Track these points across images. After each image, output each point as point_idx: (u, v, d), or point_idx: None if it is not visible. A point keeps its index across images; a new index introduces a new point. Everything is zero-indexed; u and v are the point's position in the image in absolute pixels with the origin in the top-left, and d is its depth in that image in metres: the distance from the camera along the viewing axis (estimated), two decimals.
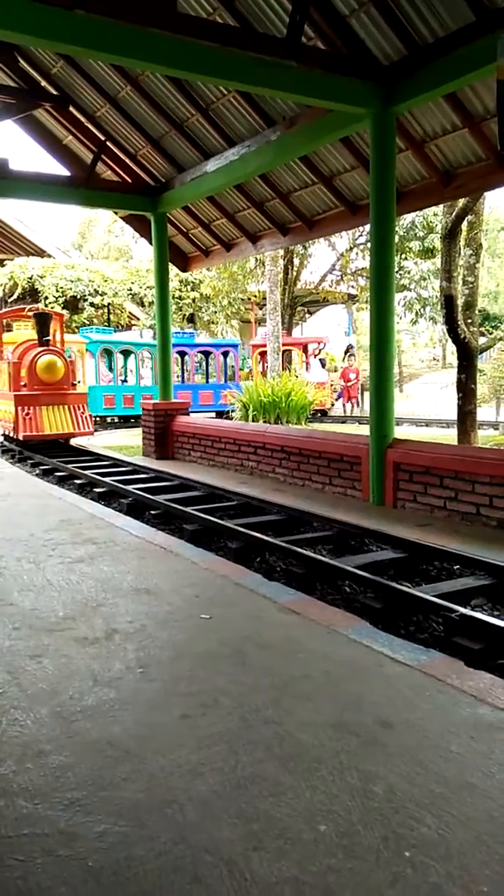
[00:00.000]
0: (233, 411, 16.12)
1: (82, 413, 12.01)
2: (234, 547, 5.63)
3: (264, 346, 21.59)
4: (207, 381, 22.48)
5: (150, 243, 11.92)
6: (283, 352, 21.72)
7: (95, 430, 14.82)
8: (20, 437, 11.50)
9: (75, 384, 12.56)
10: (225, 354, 22.89)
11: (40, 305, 13.60)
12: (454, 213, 10.38)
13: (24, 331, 15.41)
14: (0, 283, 22.96)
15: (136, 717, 2.67)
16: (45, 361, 11.92)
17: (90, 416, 12.29)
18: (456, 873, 1.83)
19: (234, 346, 23.78)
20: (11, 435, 12.16)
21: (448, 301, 10.47)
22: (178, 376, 21.21)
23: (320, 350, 25.19)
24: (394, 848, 1.92)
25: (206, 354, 22.57)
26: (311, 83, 6.45)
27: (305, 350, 24.49)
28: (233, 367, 22.90)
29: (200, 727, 2.58)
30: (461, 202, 10.06)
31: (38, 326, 12.20)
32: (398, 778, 2.25)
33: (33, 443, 11.92)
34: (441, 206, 10.59)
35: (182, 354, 21.32)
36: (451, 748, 2.43)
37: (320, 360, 25.09)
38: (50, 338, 12.40)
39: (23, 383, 11.80)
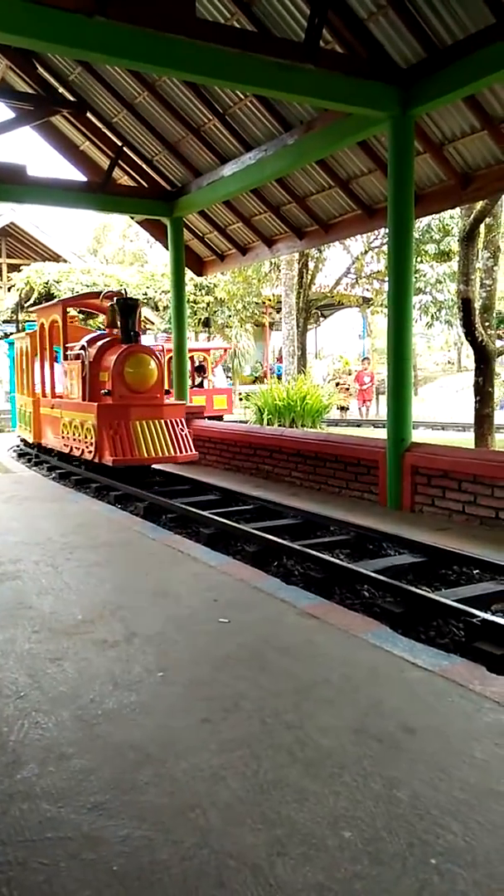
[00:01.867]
0: None
1: (181, 430, 8.86)
2: (251, 551, 5.62)
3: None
4: None
5: (166, 248, 11.97)
6: (189, 357, 21.66)
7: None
8: (108, 462, 8.56)
9: (170, 392, 9.58)
10: None
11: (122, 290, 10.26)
12: (472, 216, 10.32)
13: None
14: (17, 287, 23.13)
15: (158, 720, 2.66)
16: (136, 362, 8.90)
17: (190, 433, 9.13)
18: (483, 881, 1.81)
19: None
20: (86, 457, 9.23)
21: (465, 304, 10.41)
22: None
23: (222, 357, 24.84)
24: (419, 855, 1.90)
25: None
26: (329, 87, 6.45)
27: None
28: None
29: (222, 731, 2.57)
30: (479, 204, 10.00)
31: (122, 316, 9.12)
32: (422, 784, 2.23)
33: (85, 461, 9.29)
34: (458, 208, 10.55)
35: None
36: (474, 754, 2.41)
37: (224, 367, 24.73)
38: (138, 331, 9.39)
39: (105, 391, 8.93)
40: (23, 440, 13.59)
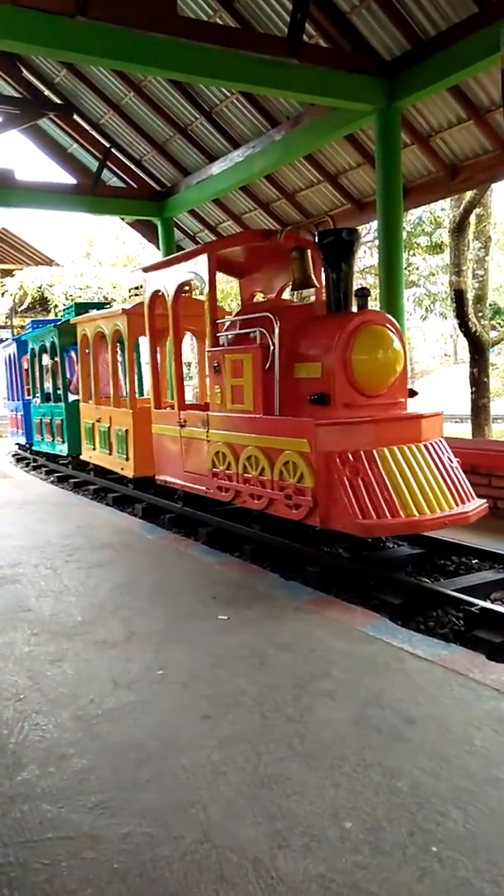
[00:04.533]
0: None
1: (448, 459, 4.78)
2: (249, 548, 5.61)
3: None
4: None
5: (158, 248, 11.94)
6: None
7: None
8: (351, 530, 4.39)
9: (416, 392, 5.42)
10: None
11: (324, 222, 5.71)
12: (462, 207, 10.32)
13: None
14: (11, 293, 23.11)
15: (157, 718, 2.66)
16: (372, 341, 4.86)
17: (460, 463, 4.88)
18: (484, 867, 1.81)
19: None
20: (285, 515, 4.87)
21: (458, 295, 10.42)
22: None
23: None
24: (420, 843, 1.90)
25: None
26: (314, 81, 6.44)
27: None
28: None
29: (222, 727, 2.57)
30: (468, 195, 10.00)
31: (331, 266, 5.08)
32: (422, 773, 2.23)
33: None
34: (448, 200, 10.54)
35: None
36: (474, 742, 2.41)
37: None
38: (367, 288, 5.24)
39: (314, 396, 4.85)
40: (19, 445, 13.38)
